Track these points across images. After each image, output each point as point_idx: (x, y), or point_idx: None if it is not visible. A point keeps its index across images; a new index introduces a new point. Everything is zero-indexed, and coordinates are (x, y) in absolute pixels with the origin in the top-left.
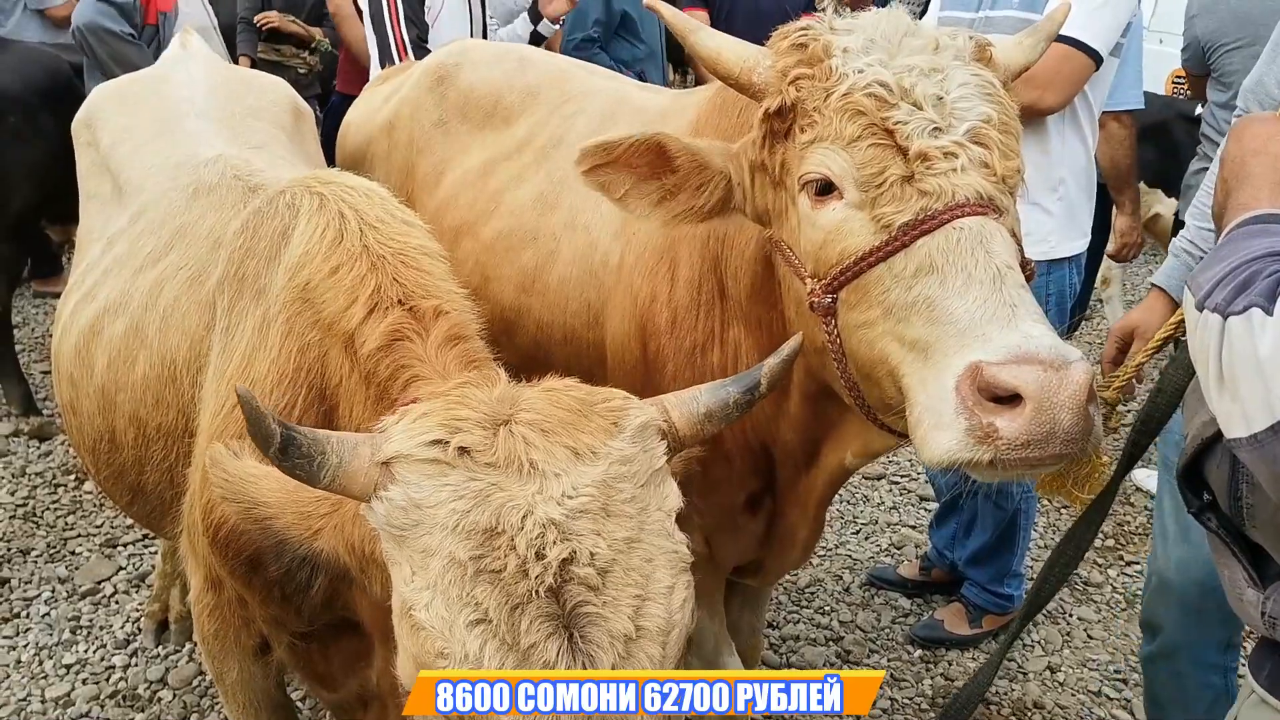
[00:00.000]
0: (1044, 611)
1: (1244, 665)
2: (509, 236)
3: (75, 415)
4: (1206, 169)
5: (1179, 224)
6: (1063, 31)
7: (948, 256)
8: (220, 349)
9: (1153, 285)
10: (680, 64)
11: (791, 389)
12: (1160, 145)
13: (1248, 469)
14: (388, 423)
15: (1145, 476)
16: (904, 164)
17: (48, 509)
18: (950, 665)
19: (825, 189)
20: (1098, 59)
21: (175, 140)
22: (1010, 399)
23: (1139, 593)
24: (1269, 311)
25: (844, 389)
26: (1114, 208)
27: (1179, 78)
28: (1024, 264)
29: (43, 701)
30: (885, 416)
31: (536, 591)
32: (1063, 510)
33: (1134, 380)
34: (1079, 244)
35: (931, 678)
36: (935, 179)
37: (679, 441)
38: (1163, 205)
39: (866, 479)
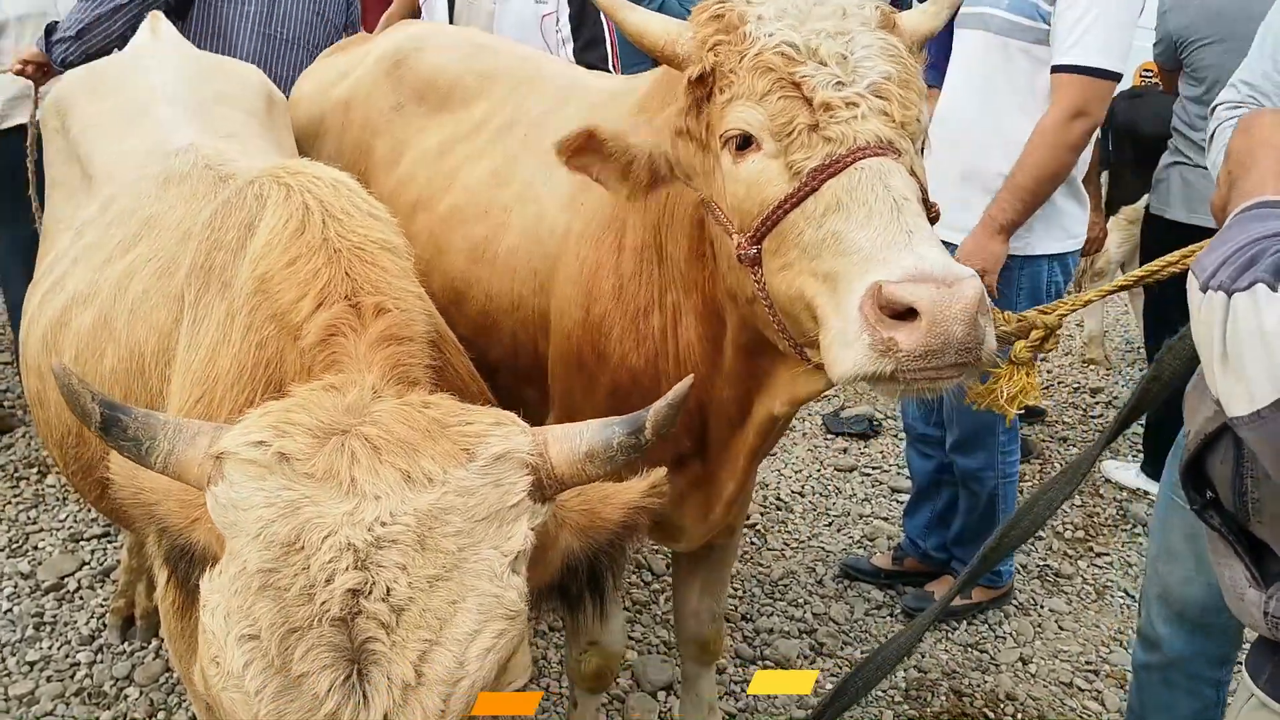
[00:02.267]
0: (1015, 603)
1: (1239, 670)
2: (462, 210)
3: (43, 408)
4: (1178, 162)
5: (1149, 217)
6: (1086, 62)
7: (851, 194)
8: (187, 342)
9: None
10: None
11: (725, 345)
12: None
13: (1252, 464)
14: (248, 415)
15: (1115, 468)
16: (810, 114)
17: (9, 503)
18: (923, 658)
19: (744, 143)
20: (1119, 77)
21: (146, 128)
22: (908, 314)
23: (1109, 584)
24: (1274, 287)
25: (777, 333)
26: None
27: (1146, 70)
28: (926, 201)
29: (5, 699)
30: (813, 351)
31: (319, 619)
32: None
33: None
34: (1062, 244)
35: (905, 670)
36: (839, 126)
37: (555, 479)
38: None
39: (838, 471)
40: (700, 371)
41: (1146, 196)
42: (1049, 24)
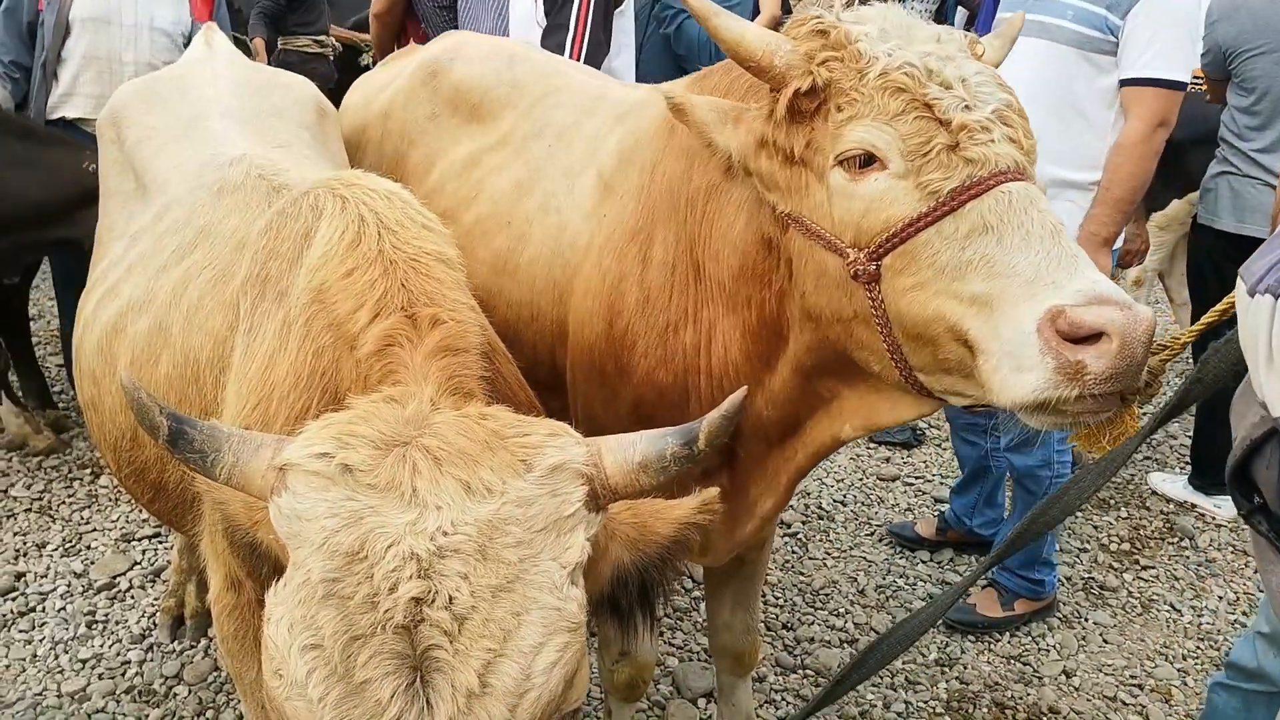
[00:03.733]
0: (1059, 615)
1: None
2: (485, 221)
3: (97, 412)
4: (1226, 172)
5: (1197, 227)
6: (1163, 75)
7: (1001, 217)
8: (243, 350)
9: None
10: None
11: (779, 365)
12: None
13: None
14: (309, 427)
15: (1162, 480)
16: (948, 135)
17: (64, 503)
18: (965, 669)
19: (866, 162)
20: (1187, 86)
21: (200, 139)
22: (1088, 339)
23: (1155, 597)
24: None
25: (883, 353)
26: None
27: (1195, 78)
28: None
29: (59, 696)
30: (929, 376)
31: (383, 626)
32: (1085, 508)
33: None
34: None
35: (946, 681)
36: (978, 148)
37: (609, 490)
38: None
39: (881, 480)
40: (741, 388)
41: (1175, 202)
42: (1117, 37)
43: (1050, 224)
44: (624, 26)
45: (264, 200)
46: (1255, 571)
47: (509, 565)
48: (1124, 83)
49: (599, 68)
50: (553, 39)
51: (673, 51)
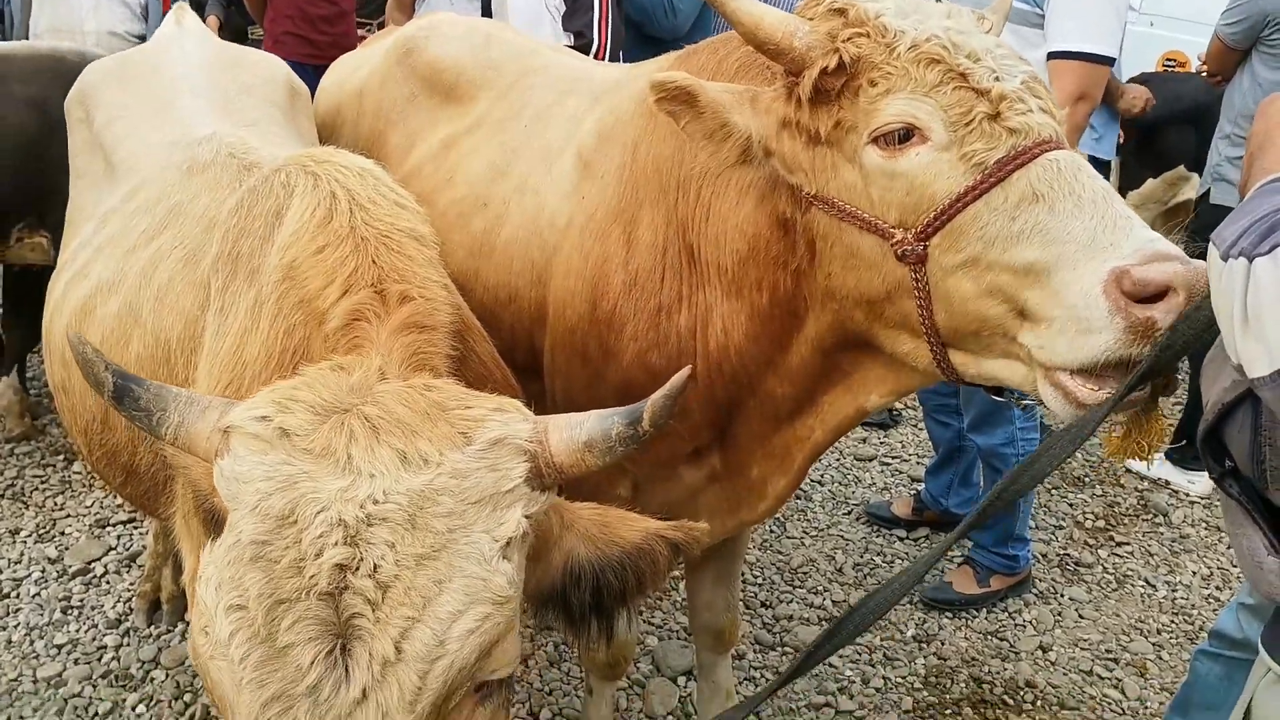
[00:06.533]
0: (1035, 592)
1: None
2: (461, 203)
3: (68, 396)
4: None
5: (1201, 202)
6: (1085, 49)
7: (1051, 184)
8: (214, 330)
9: None
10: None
11: (795, 344)
12: (1201, 129)
13: (1270, 432)
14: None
15: None
16: (988, 104)
17: (37, 489)
18: (943, 645)
19: (904, 137)
20: (1114, 61)
21: (169, 118)
22: (1153, 297)
23: (1129, 573)
24: None
25: (918, 333)
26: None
27: (1169, 60)
28: None
29: (34, 681)
30: (965, 357)
31: (308, 592)
32: (1051, 489)
33: None
34: None
35: (924, 657)
36: (1020, 117)
37: (554, 468)
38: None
39: (858, 460)
40: (747, 370)
41: (1150, 181)
42: (1044, 10)
43: (1100, 188)
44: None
45: (234, 179)
46: (1229, 547)
47: (436, 534)
48: (1049, 56)
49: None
50: (580, 19)
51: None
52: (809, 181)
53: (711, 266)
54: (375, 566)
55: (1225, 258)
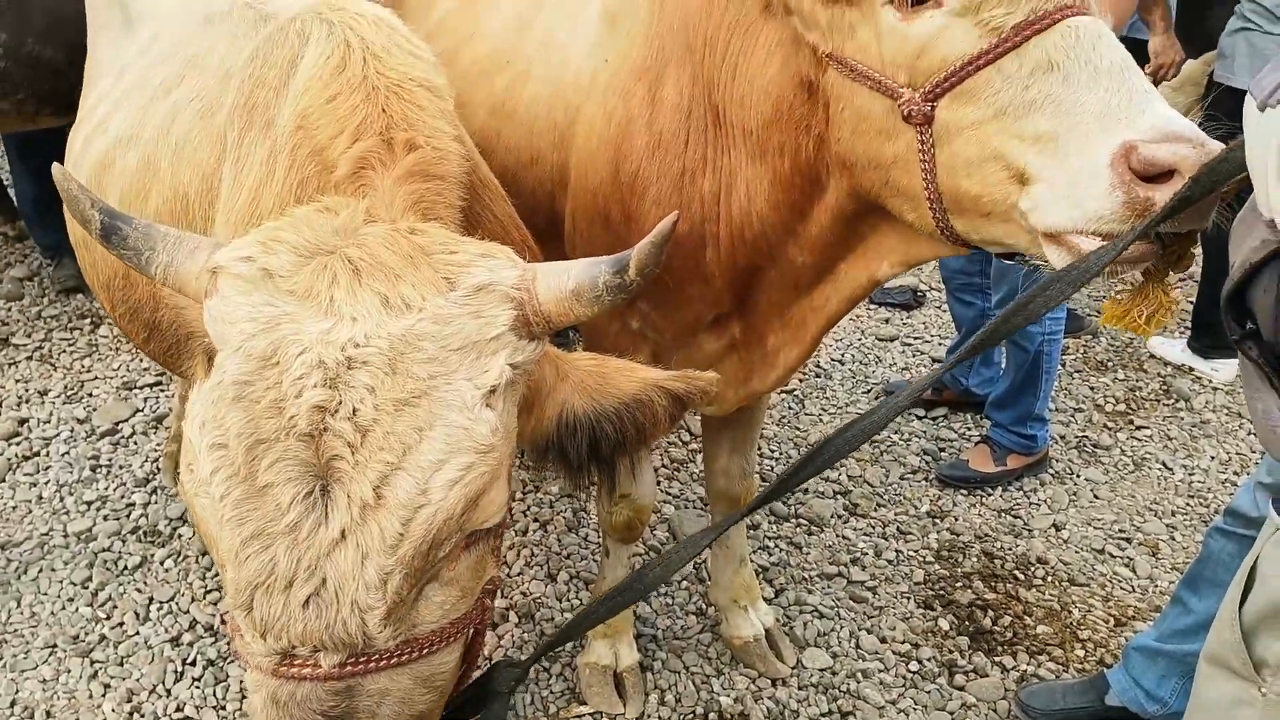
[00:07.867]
0: (1051, 472)
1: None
2: (484, 61)
3: (89, 251)
4: (1245, 28)
5: (1213, 84)
6: None
7: (1067, 53)
8: (231, 182)
9: None
10: None
11: (816, 211)
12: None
13: None
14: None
15: (1160, 343)
16: None
17: (64, 352)
18: (956, 521)
19: None
20: None
21: None
22: (1159, 177)
23: (1147, 456)
24: None
25: (920, 199)
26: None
27: None
28: None
29: (65, 536)
30: (967, 221)
31: (287, 432)
32: (1074, 373)
33: None
34: None
35: (937, 531)
36: None
37: (542, 317)
38: None
39: (880, 340)
40: (768, 239)
41: (1190, 62)
42: None
43: (1119, 59)
44: None
45: (251, 29)
46: (1249, 433)
47: (417, 381)
48: None
49: None
50: None
51: None
52: (825, 40)
53: (737, 129)
54: (354, 410)
55: (1263, 107)
